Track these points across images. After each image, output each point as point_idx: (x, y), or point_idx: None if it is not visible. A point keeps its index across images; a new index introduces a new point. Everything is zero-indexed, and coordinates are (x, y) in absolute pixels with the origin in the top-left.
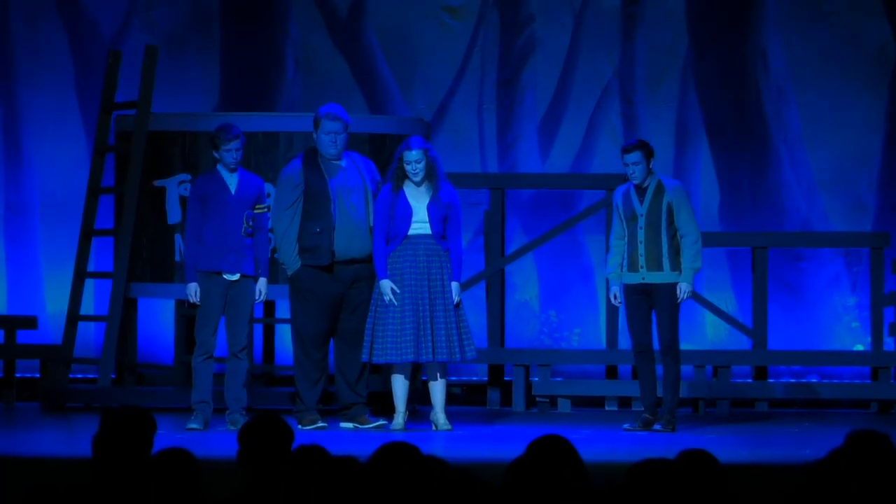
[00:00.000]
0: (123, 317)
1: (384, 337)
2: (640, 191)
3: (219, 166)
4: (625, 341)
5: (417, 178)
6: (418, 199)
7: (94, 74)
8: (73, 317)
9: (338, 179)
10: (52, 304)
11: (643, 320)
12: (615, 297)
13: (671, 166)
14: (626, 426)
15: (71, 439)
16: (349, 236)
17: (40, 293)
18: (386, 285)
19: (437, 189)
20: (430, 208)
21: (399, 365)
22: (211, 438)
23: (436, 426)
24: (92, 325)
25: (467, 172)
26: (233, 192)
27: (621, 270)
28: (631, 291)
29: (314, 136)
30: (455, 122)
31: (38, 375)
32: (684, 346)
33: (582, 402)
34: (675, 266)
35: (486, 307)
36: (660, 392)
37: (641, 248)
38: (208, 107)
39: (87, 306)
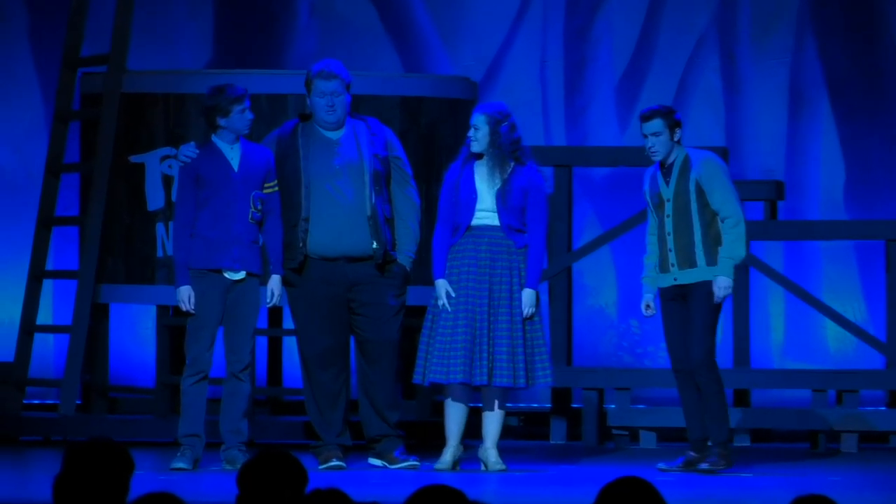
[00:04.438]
0: (91, 327)
1: (432, 351)
2: (666, 170)
3: (214, 138)
4: (724, 358)
5: (477, 149)
6: (486, 181)
7: (54, 21)
8: (28, 327)
9: (320, 158)
10: (1, 311)
11: (680, 332)
12: (647, 308)
13: (784, 138)
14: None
15: (26, 481)
16: (333, 229)
17: None
18: (441, 286)
19: (512, 168)
20: (499, 193)
21: (455, 388)
22: (202, 480)
23: (486, 465)
24: (51, 337)
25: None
26: (235, 168)
27: (656, 273)
28: (665, 297)
29: (308, 101)
30: (511, 83)
31: None
32: (799, 363)
33: (669, 436)
34: (713, 261)
35: (549, 315)
36: None
37: (670, 241)
38: (199, 63)
39: (46, 314)
